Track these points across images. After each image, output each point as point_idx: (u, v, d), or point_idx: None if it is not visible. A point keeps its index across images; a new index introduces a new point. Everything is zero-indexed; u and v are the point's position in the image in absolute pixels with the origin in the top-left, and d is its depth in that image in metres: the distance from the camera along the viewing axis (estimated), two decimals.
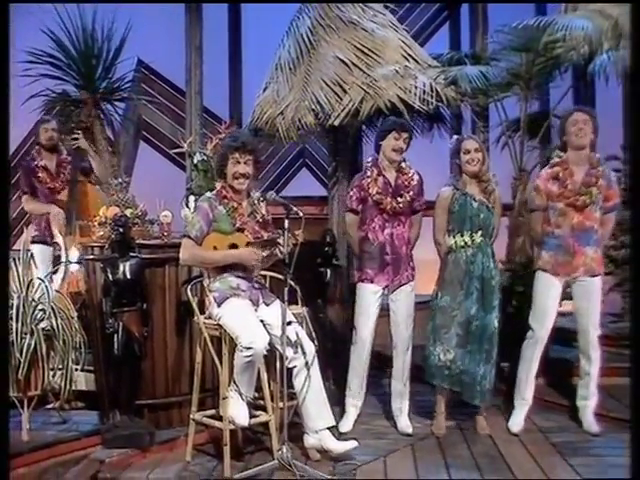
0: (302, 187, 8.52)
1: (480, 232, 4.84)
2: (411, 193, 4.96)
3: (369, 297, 4.95)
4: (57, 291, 5.03)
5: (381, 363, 5.64)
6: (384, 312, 5.07)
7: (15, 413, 4.47)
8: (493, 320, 4.83)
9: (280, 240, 4.30)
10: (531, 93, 6.11)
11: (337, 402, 5.17)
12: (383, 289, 4.98)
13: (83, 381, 5.17)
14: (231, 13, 8.14)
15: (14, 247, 6.98)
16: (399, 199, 4.93)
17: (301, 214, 4.25)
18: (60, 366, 4.57)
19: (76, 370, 4.68)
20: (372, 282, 4.96)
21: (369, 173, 4.97)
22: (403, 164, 5.01)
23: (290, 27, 6.26)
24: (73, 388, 4.70)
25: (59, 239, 5.68)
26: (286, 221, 4.26)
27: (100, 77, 6.57)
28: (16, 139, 8.17)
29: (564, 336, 5.36)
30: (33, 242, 5.88)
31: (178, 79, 7.94)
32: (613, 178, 4.96)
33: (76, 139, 5.99)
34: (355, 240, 5.07)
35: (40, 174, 5.95)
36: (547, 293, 4.89)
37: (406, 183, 4.97)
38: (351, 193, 5.02)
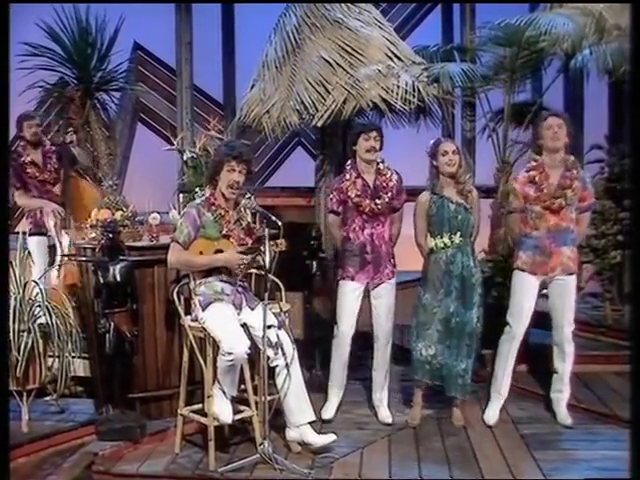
0: (297, 166, 8.66)
1: (459, 233, 5.01)
2: (389, 194, 5.13)
3: (350, 294, 5.16)
4: (53, 288, 5.28)
5: (367, 344, 5.86)
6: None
7: (15, 403, 4.69)
8: (473, 316, 5.02)
9: (262, 248, 4.49)
10: (515, 85, 6.23)
11: (322, 388, 5.42)
12: (364, 286, 5.18)
13: (81, 367, 5.43)
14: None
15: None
16: (377, 201, 5.10)
17: (280, 223, 4.45)
18: (58, 354, 4.79)
19: (73, 357, 4.92)
20: (353, 280, 5.16)
21: (348, 176, 5.15)
22: (381, 165, 5.18)
23: (277, 24, 6.35)
24: (72, 374, 4.93)
25: (53, 233, 5.87)
26: (266, 230, 4.47)
27: (95, 67, 6.72)
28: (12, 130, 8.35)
29: (546, 321, 5.48)
30: (30, 235, 6.02)
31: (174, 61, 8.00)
32: (588, 179, 5.11)
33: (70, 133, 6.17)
34: (338, 239, 5.28)
35: (29, 169, 6.10)
36: (524, 291, 5.07)
37: (384, 184, 5.14)
38: (331, 196, 5.22)
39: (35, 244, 5.98)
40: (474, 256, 5.13)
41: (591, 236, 6.38)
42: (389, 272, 5.20)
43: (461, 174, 5.02)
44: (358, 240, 5.14)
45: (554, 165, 4.99)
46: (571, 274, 5.07)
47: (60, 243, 5.75)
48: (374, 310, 5.24)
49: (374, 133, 5.07)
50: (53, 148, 6.21)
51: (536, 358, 5.81)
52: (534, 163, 5.06)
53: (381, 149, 5.13)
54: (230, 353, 4.33)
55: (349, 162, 5.21)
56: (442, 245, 5.03)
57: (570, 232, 5.03)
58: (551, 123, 4.95)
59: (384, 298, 5.20)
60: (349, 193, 5.10)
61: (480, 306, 5.08)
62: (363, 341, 5.80)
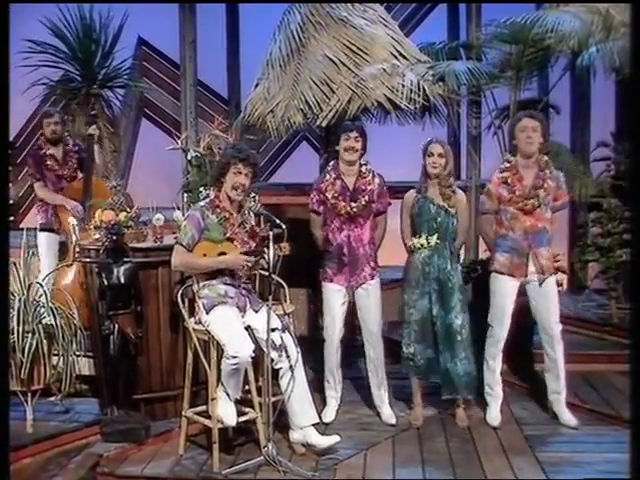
0: (302, 160, 8.67)
1: (436, 235, 5.01)
2: (367, 197, 5.08)
3: (333, 295, 5.16)
4: (58, 289, 5.28)
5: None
6: None
7: (19, 403, 4.70)
8: (454, 319, 4.99)
9: (265, 249, 4.49)
10: (521, 83, 6.21)
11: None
12: (345, 288, 5.16)
13: (86, 366, 5.43)
14: None
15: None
16: (353, 204, 5.06)
17: (284, 227, 4.45)
18: (62, 354, 4.79)
19: (78, 356, 4.92)
20: (332, 281, 5.15)
21: (327, 177, 5.13)
22: (363, 168, 5.13)
23: (281, 22, 6.31)
24: (77, 373, 4.93)
25: (71, 231, 5.82)
26: (270, 233, 4.47)
27: (99, 64, 6.70)
28: (15, 127, 8.37)
29: None
30: (41, 230, 6.07)
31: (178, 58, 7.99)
32: (562, 179, 5.07)
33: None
34: (319, 239, 5.25)
35: (48, 162, 6.14)
36: (504, 294, 5.05)
37: (363, 187, 5.10)
38: (311, 195, 5.19)
39: (45, 240, 6.04)
40: (452, 260, 5.09)
41: (597, 234, 6.40)
42: (367, 275, 5.15)
43: (444, 178, 5.01)
44: (336, 241, 5.13)
45: (528, 166, 4.98)
46: (550, 274, 5.04)
47: (76, 241, 5.75)
48: (359, 313, 5.23)
49: (354, 133, 5.01)
50: (76, 148, 6.23)
51: (541, 357, 5.80)
52: (507, 164, 5.05)
53: (364, 150, 5.07)
54: (234, 357, 4.34)
55: (331, 163, 5.20)
56: (419, 245, 5.05)
57: (546, 232, 5.02)
58: (525, 125, 4.91)
59: (366, 299, 5.17)
60: (327, 194, 5.08)
61: (463, 310, 5.03)
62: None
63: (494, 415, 5.15)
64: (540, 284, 5.01)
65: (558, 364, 5.09)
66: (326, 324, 5.19)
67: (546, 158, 5.01)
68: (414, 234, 5.08)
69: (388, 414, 5.22)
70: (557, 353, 5.07)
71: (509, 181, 4.97)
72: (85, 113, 6.42)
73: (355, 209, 5.07)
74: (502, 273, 5.03)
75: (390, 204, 5.24)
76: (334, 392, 5.30)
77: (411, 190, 5.11)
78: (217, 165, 4.80)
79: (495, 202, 5.04)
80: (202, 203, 4.70)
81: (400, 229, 5.19)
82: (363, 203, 5.08)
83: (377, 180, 5.14)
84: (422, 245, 5.02)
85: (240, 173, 4.56)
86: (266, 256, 4.50)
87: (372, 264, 5.18)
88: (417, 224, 5.05)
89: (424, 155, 5.01)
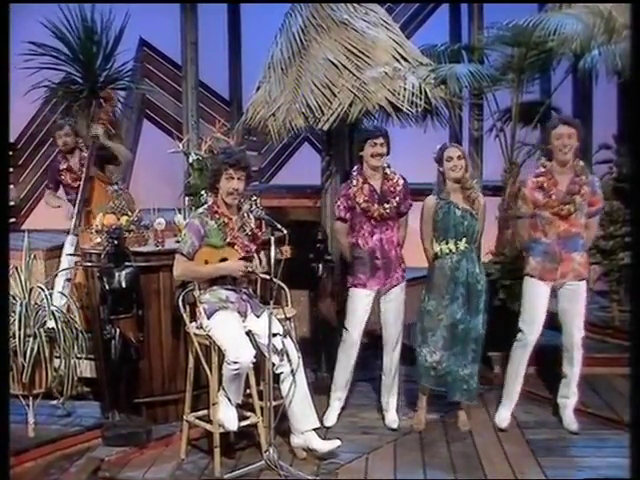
0: (304, 162, 8.64)
1: (464, 239, 4.99)
2: (397, 199, 5.11)
3: (361, 301, 5.14)
4: (60, 292, 5.27)
5: (372, 344, 5.78)
6: None
7: (19, 405, 4.70)
8: (479, 323, 5.01)
9: (266, 254, 4.51)
10: (523, 86, 6.19)
11: (328, 390, 5.38)
12: (375, 292, 5.16)
13: (88, 369, 5.42)
14: None
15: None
16: (386, 205, 5.07)
17: (285, 231, 4.44)
18: (64, 357, 4.78)
19: (79, 359, 4.91)
20: (365, 287, 5.13)
21: (355, 182, 5.11)
22: (387, 170, 5.15)
23: (283, 24, 6.28)
24: (79, 376, 4.94)
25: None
26: (272, 238, 4.47)
27: (100, 66, 6.67)
28: (17, 129, 8.39)
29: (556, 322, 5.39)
30: (68, 233, 6.01)
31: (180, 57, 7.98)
32: (597, 184, 5.05)
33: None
34: (346, 247, 5.24)
35: (63, 176, 6.26)
36: (536, 298, 5.03)
37: (392, 189, 5.11)
38: (339, 203, 5.16)
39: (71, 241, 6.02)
40: (479, 262, 5.12)
41: (599, 237, 6.32)
42: (399, 276, 5.18)
43: (467, 179, 4.99)
44: (367, 246, 5.11)
45: (563, 171, 4.94)
46: (582, 279, 5.03)
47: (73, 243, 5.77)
48: (383, 315, 5.22)
49: (381, 139, 5.03)
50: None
51: (544, 360, 5.78)
52: (542, 169, 5.02)
53: (388, 154, 5.08)
54: (235, 362, 4.35)
55: (355, 168, 5.18)
56: (447, 251, 5.01)
57: (580, 238, 4.99)
58: (561, 132, 4.87)
59: (393, 302, 5.18)
60: (357, 199, 5.07)
61: (486, 312, 5.06)
62: (369, 340, 5.79)
63: (505, 416, 5.16)
64: (570, 288, 5.00)
65: (574, 370, 5.10)
66: (350, 327, 5.17)
67: (582, 163, 4.98)
68: (438, 240, 5.04)
69: (392, 419, 5.22)
70: (574, 360, 5.08)
71: (545, 186, 4.94)
72: (87, 115, 6.41)
73: (389, 210, 5.08)
74: (533, 276, 5.02)
75: (412, 205, 5.24)
76: (339, 394, 5.31)
77: (430, 196, 5.07)
78: (210, 172, 4.79)
79: (530, 206, 5.01)
80: (201, 210, 4.70)
81: (421, 235, 5.14)
82: (394, 205, 5.09)
83: (401, 181, 5.16)
84: (451, 250, 5.00)
85: (232, 178, 4.56)
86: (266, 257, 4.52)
87: (402, 265, 5.20)
88: (441, 230, 5.01)
89: (441, 161, 4.97)
